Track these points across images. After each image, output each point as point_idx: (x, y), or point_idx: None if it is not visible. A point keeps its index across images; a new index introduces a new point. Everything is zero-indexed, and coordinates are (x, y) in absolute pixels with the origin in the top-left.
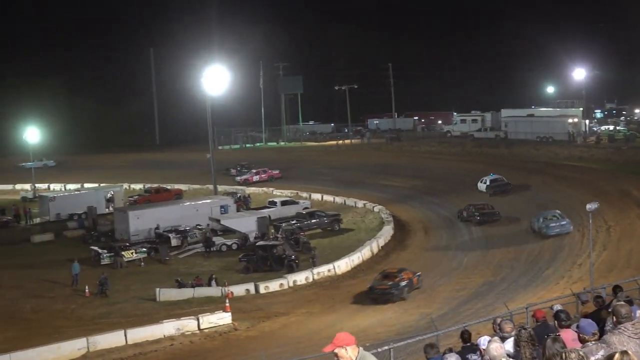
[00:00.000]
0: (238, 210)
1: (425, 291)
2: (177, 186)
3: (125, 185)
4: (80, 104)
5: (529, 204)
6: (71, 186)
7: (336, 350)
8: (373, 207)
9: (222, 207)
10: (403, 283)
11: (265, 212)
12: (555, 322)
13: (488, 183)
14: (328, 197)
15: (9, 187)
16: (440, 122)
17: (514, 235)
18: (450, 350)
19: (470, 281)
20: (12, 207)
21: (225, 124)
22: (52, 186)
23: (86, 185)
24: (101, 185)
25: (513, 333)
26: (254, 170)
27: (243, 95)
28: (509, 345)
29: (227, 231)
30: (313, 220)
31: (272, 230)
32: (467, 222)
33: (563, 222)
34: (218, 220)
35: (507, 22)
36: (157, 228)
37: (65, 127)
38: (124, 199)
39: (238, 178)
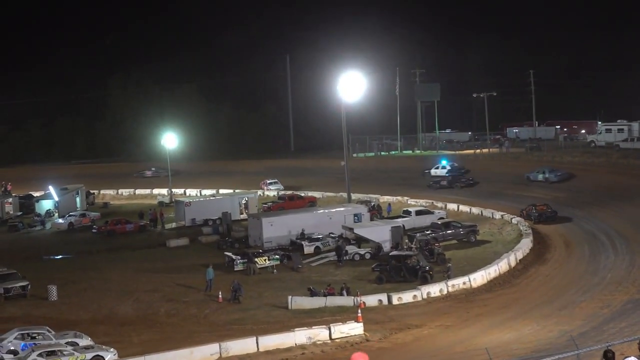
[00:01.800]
0: (372, 219)
1: (566, 307)
2: (310, 193)
3: (259, 192)
4: (216, 109)
5: None
6: (206, 191)
7: None
8: (511, 218)
9: (355, 215)
10: None
11: (399, 222)
12: None
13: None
14: (464, 208)
15: (147, 191)
16: (583, 131)
17: None
18: None
19: (614, 298)
20: (150, 211)
21: (360, 131)
22: (188, 191)
23: (221, 191)
24: (236, 191)
25: None
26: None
27: (378, 103)
28: None
29: (361, 240)
30: (448, 231)
31: (406, 240)
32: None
33: None
34: (351, 229)
35: None
36: (302, 233)
37: (202, 133)
38: (257, 205)
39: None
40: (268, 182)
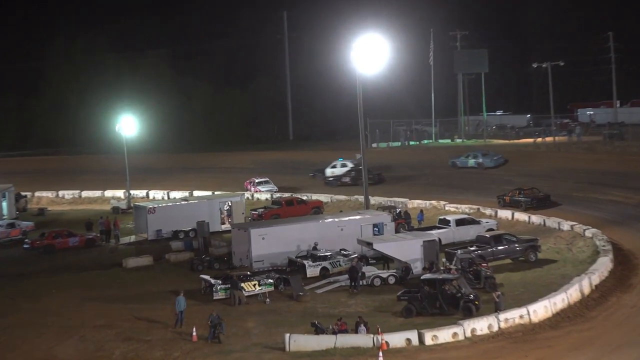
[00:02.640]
0: (397, 231)
1: None
2: (315, 196)
3: (247, 195)
4: (190, 85)
5: None
6: (176, 194)
7: None
8: (584, 230)
9: (375, 226)
10: None
11: (434, 234)
12: None
13: None
14: (521, 216)
15: (97, 193)
16: None
17: None
18: None
19: None
20: (101, 220)
21: (382, 113)
22: (152, 194)
23: (196, 193)
24: (215, 193)
25: None
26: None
27: (406, 76)
28: None
29: (382, 259)
30: (500, 247)
31: (444, 260)
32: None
33: None
34: (370, 244)
35: None
36: (314, 247)
37: (172, 117)
38: (245, 212)
39: None
40: (257, 181)
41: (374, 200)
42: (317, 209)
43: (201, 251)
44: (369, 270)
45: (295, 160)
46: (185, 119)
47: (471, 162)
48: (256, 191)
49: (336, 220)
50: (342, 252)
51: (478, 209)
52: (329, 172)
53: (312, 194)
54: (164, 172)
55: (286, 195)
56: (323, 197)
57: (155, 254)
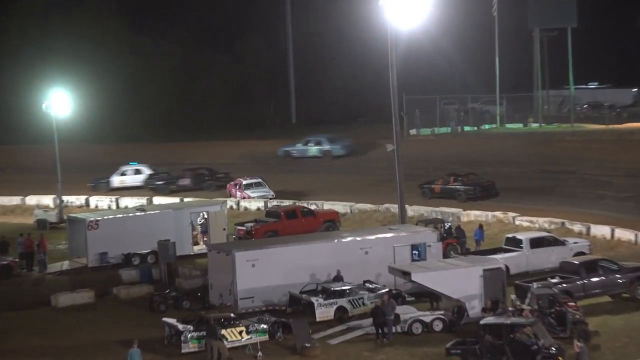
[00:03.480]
0: (447, 256)
1: None
2: (327, 205)
3: (231, 203)
4: (154, 48)
5: None
6: (129, 201)
7: None
8: None
9: (415, 247)
10: None
11: (499, 260)
12: None
13: None
14: (624, 233)
15: (16, 200)
16: None
17: None
18: None
19: None
20: (20, 239)
21: (424, 88)
22: (95, 201)
23: (158, 200)
24: (185, 200)
25: None
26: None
27: (459, 34)
28: None
29: (425, 295)
30: (594, 279)
31: (513, 297)
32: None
33: None
34: (407, 274)
35: None
36: (336, 278)
37: (126, 92)
38: (227, 227)
39: None
40: (245, 183)
41: (412, 210)
42: (330, 223)
43: (164, 283)
44: (406, 312)
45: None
46: (143, 96)
47: (313, 150)
48: (244, 197)
49: (358, 239)
50: (366, 285)
51: (562, 223)
52: (116, 180)
53: (323, 202)
54: (111, 170)
55: (286, 203)
56: (339, 207)
57: (98, 287)
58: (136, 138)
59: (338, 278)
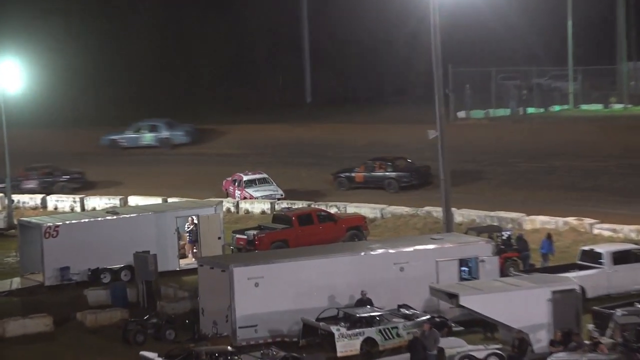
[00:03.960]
0: (506, 274)
1: None
2: (351, 208)
3: (228, 205)
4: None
5: None
6: (97, 202)
7: None
8: None
9: (464, 263)
10: None
11: (572, 279)
12: None
13: None
14: None
15: None
16: None
17: None
18: None
19: None
20: None
21: (475, 60)
22: (53, 201)
23: (134, 200)
24: (170, 201)
25: None
26: None
27: None
28: None
29: (477, 324)
30: None
31: (590, 327)
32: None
33: None
34: (454, 297)
35: None
36: (362, 300)
37: (86, 63)
38: (224, 235)
39: None
40: (247, 179)
41: (461, 215)
42: (355, 231)
43: (143, 307)
44: (453, 345)
45: (317, 141)
46: (115, 69)
47: (148, 137)
48: (244, 197)
49: (391, 252)
50: (401, 310)
51: None
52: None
53: (346, 204)
54: (74, 161)
55: (299, 205)
56: (367, 210)
57: (57, 312)
58: (109, 121)
59: (364, 301)
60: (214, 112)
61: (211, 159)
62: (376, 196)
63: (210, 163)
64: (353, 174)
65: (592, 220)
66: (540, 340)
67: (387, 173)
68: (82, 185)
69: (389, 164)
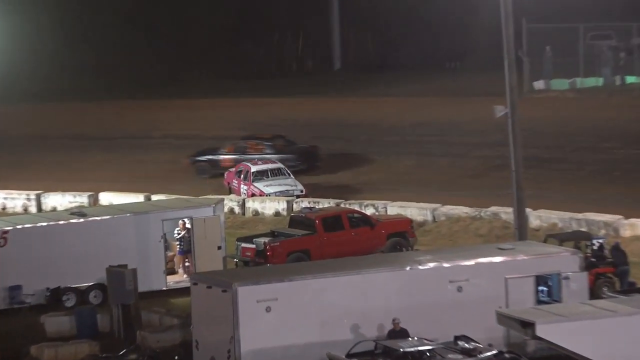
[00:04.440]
0: (598, 295)
1: None
2: (393, 208)
3: (231, 203)
4: None
5: None
6: (58, 199)
7: None
8: None
9: (542, 280)
10: None
11: None
12: None
13: None
14: None
15: None
16: None
17: None
18: None
19: None
20: None
21: (556, 14)
22: (0, 199)
23: (106, 198)
24: (154, 198)
25: None
26: None
27: None
28: None
29: None
30: None
31: None
32: None
33: None
34: (529, 326)
35: None
36: (396, 328)
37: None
38: (224, 244)
39: None
40: (256, 169)
41: (538, 217)
42: (398, 239)
43: (118, 338)
44: None
45: (347, 120)
46: (85, 29)
47: None
48: (253, 194)
49: (446, 266)
50: (460, 343)
51: None
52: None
53: (387, 203)
54: (30, 147)
55: (325, 204)
56: (414, 211)
57: (5, 345)
58: (78, 94)
59: (397, 333)
60: (211, 81)
61: (206, 142)
62: (426, 191)
63: (205, 148)
64: (219, 157)
65: None
66: None
67: (266, 155)
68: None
69: (267, 143)
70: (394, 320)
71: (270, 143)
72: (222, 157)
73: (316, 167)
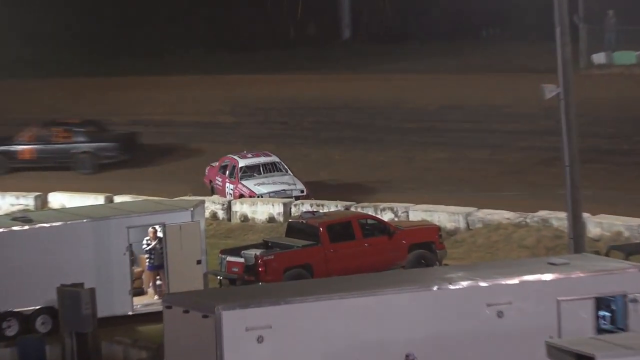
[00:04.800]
0: None
1: None
2: (416, 212)
3: (213, 206)
4: None
5: None
6: None
7: None
8: None
9: (604, 304)
10: None
11: None
12: None
13: None
14: None
15: None
16: None
17: None
18: None
19: None
20: None
21: None
22: None
23: (58, 199)
24: (117, 200)
25: None
26: None
27: None
28: None
29: None
30: None
31: None
32: None
33: None
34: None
35: None
36: None
37: None
38: (205, 257)
39: None
40: (244, 164)
41: (599, 225)
42: (423, 251)
43: None
44: None
45: (359, 101)
46: None
47: None
48: (241, 195)
49: (483, 285)
50: None
51: None
52: None
53: (409, 206)
54: None
55: (331, 208)
56: (442, 216)
57: None
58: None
59: None
60: (187, 52)
61: (182, 130)
62: (458, 192)
63: (181, 137)
64: (16, 148)
65: None
66: None
67: (77, 144)
68: None
69: (78, 130)
70: (407, 356)
71: (81, 129)
72: (19, 147)
73: (137, 156)
